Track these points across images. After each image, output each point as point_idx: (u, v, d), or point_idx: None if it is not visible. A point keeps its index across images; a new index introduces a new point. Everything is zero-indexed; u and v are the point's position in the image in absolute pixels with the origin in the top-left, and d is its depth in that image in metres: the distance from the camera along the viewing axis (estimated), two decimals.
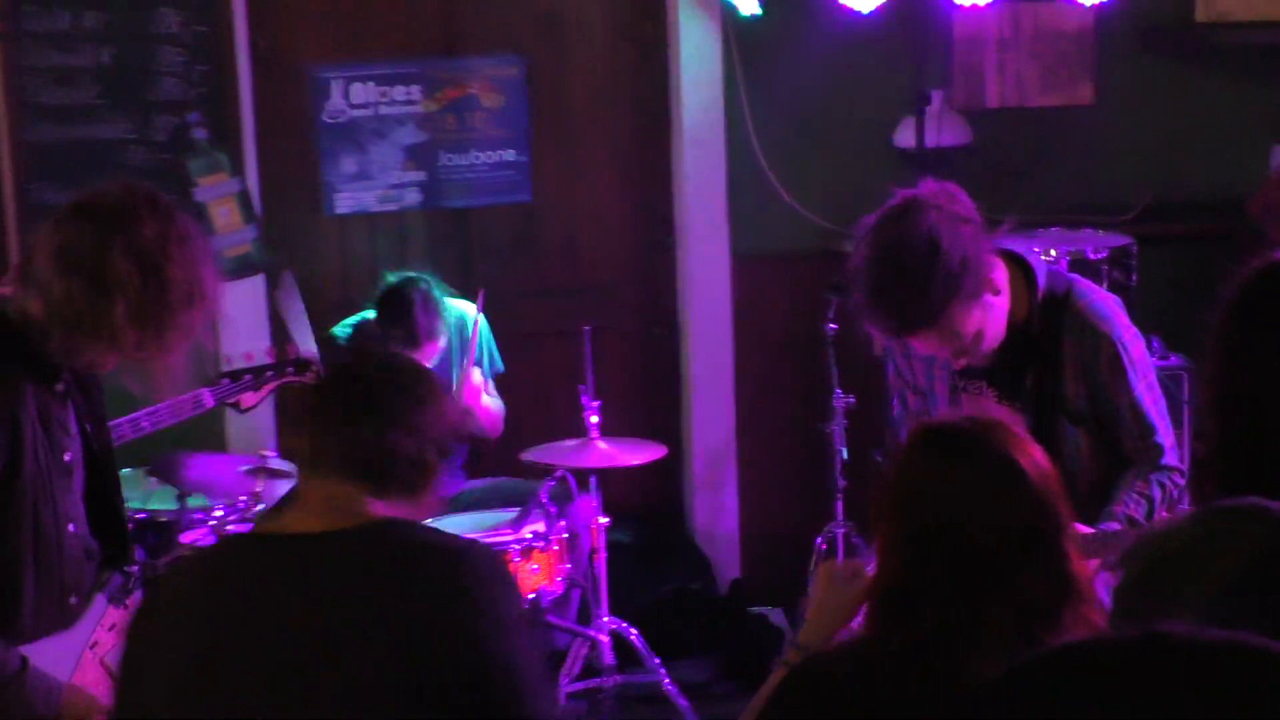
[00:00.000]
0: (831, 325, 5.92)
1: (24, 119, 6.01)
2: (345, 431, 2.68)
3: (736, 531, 6.78)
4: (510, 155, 6.57)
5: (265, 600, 2.59)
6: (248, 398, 4.93)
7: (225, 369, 4.99)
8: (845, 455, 5.97)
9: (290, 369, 4.99)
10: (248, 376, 4.91)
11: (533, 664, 2.63)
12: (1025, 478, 2.45)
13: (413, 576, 2.57)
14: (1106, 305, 3.81)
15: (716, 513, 6.79)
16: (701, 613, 6.32)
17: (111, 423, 4.46)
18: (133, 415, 4.57)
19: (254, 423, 5.99)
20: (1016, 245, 3.85)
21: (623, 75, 6.65)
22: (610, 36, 6.62)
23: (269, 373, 4.94)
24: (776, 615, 6.43)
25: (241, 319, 6.08)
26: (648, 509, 6.82)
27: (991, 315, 3.67)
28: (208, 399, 4.76)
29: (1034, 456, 2.49)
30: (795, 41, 6.43)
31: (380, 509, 2.67)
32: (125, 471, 5.25)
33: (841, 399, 5.95)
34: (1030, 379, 3.78)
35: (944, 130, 6.29)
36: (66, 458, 3.37)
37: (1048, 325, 3.75)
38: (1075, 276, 3.93)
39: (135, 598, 3.51)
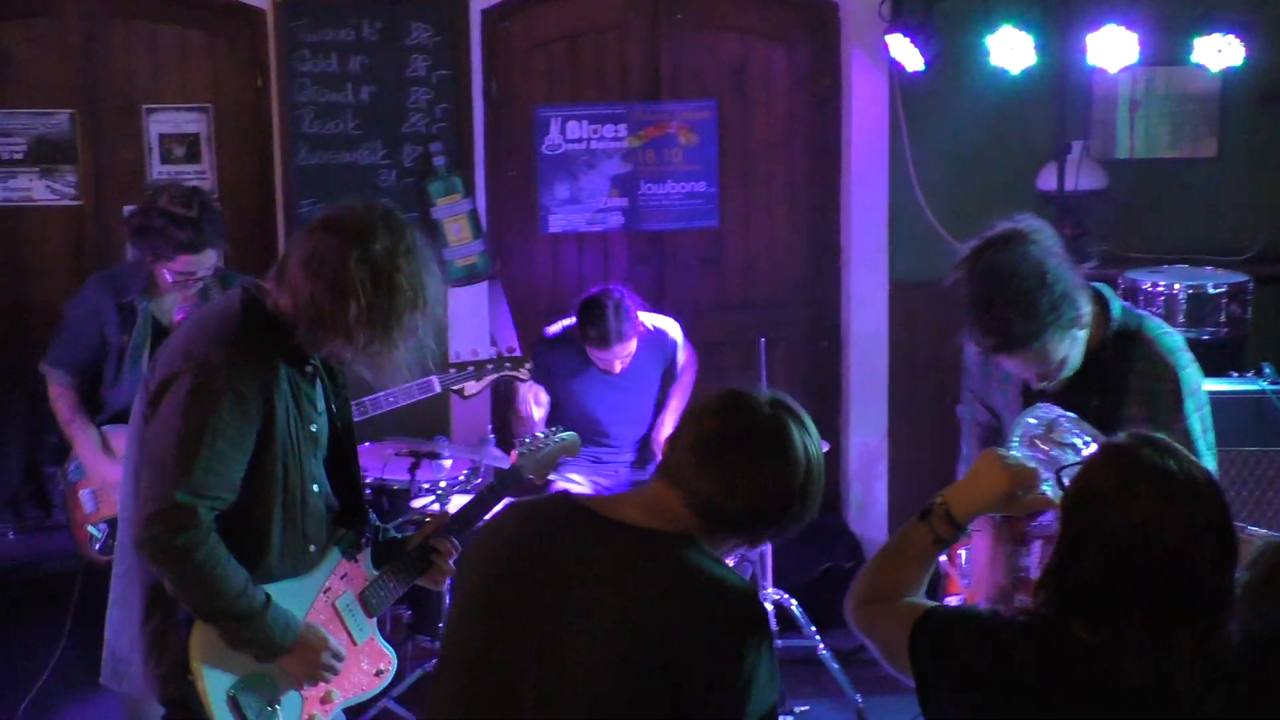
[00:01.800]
0: None
1: (295, 147, 6.34)
2: (715, 475, 2.56)
3: (885, 518, 6.88)
4: (700, 186, 6.80)
5: (561, 561, 2.55)
6: (470, 386, 5.17)
7: (453, 362, 5.24)
8: None
9: (508, 365, 5.22)
10: (471, 368, 5.15)
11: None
12: (1212, 492, 2.43)
13: (697, 604, 2.47)
14: (1174, 340, 3.74)
15: (868, 502, 6.91)
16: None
17: (356, 400, 4.63)
18: (374, 395, 4.91)
19: (473, 412, 6.35)
20: (1096, 281, 3.79)
21: (800, 120, 6.85)
22: (790, 86, 6.82)
23: (489, 366, 5.17)
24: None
25: (468, 320, 6.55)
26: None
27: (1076, 347, 3.61)
28: (435, 385, 5.01)
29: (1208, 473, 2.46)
30: (954, 95, 6.59)
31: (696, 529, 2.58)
32: (366, 445, 5.60)
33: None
34: (1095, 401, 3.60)
35: (1082, 176, 6.42)
36: (313, 429, 3.51)
37: (1118, 354, 3.68)
38: (1146, 313, 3.87)
39: (365, 553, 3.70)
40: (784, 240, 6.95)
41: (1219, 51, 5.94)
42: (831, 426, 6.89)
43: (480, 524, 3.25)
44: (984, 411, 4.08)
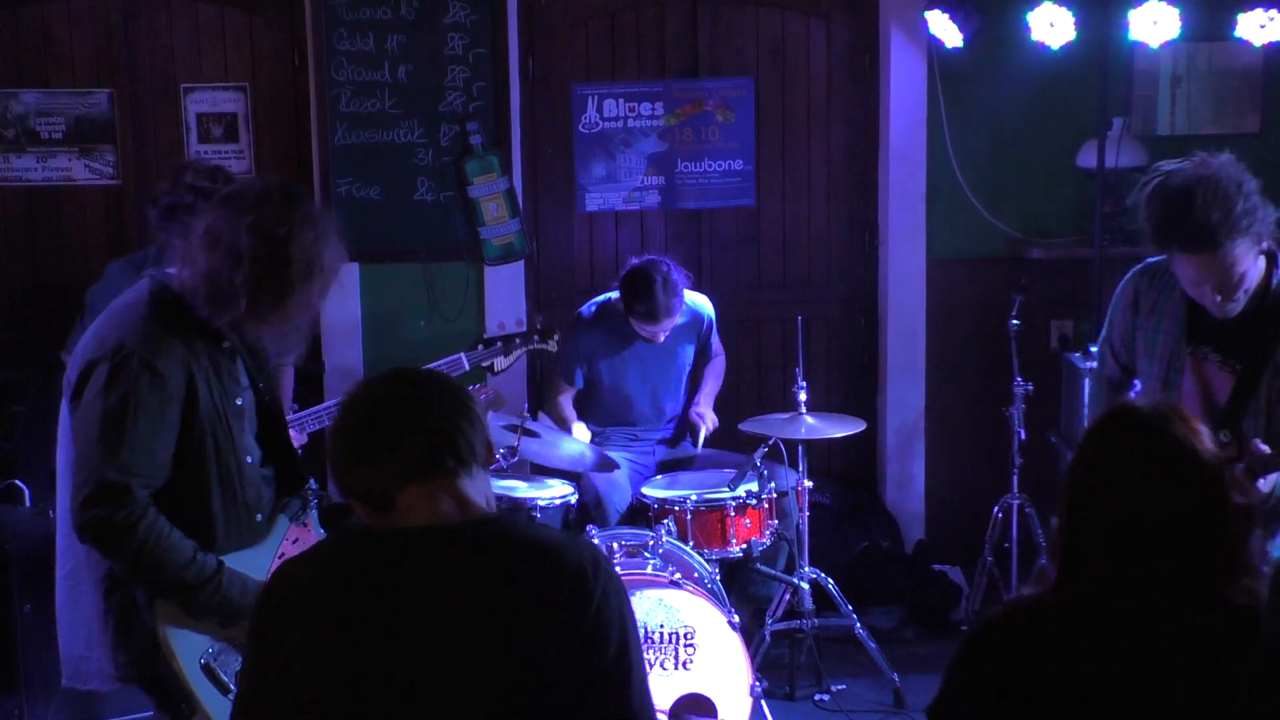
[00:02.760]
0: (1014, 321, 5.94)
1: (332, 126, 6.31)
2: (394, 449, 2.53)
3: (923, 498, 6.86)
4: (738, 165, 6.75)
5: (389, 594, 2.45)
6: (499, 362, 5.11)
7: (483, 338, 5.19)
8: (1023, 435, 5.91)
9: (536, 336, 5.15)
10: (499, 343, 5.08)
11: (629, 660, 2.46)
12: (1197, 460, 2.41)
13: (529, 572, 2.43)
14: None
15: (906, 481, 6.87)
16: (890, 568, 6.33)
17: None
18: None
19: (509, 388, 6.30)
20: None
21: (838, 97, 6.79)
22: (829, 63, 6.76)
23: (518, 340, 5.11)
24: (955, 573, 6.44)
25: (506, 300, 6.53)
26: (846, 475, 6.92)
27: (1252, 270, 3.75)
28: (464, 362, 4.94)
29: (1207, 443, 2.45)
30: (993, 71, 6.53)
31: (473, 492, 2.55)
32: None
33: (1021, 386, 5.91)
34: (1255, 342, 3.83)
35: (1122, 153, 6.33)
36: (239, 402, 3.55)
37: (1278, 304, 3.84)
38: None
39: (311, 516, 3.75)
40: (821, 218, 6.90)
41: (1261, 27, 5.85)
42: (869, 405, 6.85)
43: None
44: (1115, 368, 4.16)
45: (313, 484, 3.81)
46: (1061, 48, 6.06)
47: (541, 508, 5.28)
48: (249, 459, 3.58)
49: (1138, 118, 6.66)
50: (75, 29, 6.32)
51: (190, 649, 3.47)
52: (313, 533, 3.76)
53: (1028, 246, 6.62)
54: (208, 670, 3.48)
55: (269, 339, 3.59)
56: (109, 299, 4.78)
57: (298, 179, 6.44)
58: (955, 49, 6.32)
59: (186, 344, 3.43)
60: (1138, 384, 4.12)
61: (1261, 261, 3.82)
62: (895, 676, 5.57)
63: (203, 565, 3.40)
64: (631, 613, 2.46)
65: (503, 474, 5.39)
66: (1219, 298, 3.80)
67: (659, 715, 2.55)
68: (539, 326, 5.21)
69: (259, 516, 3.62)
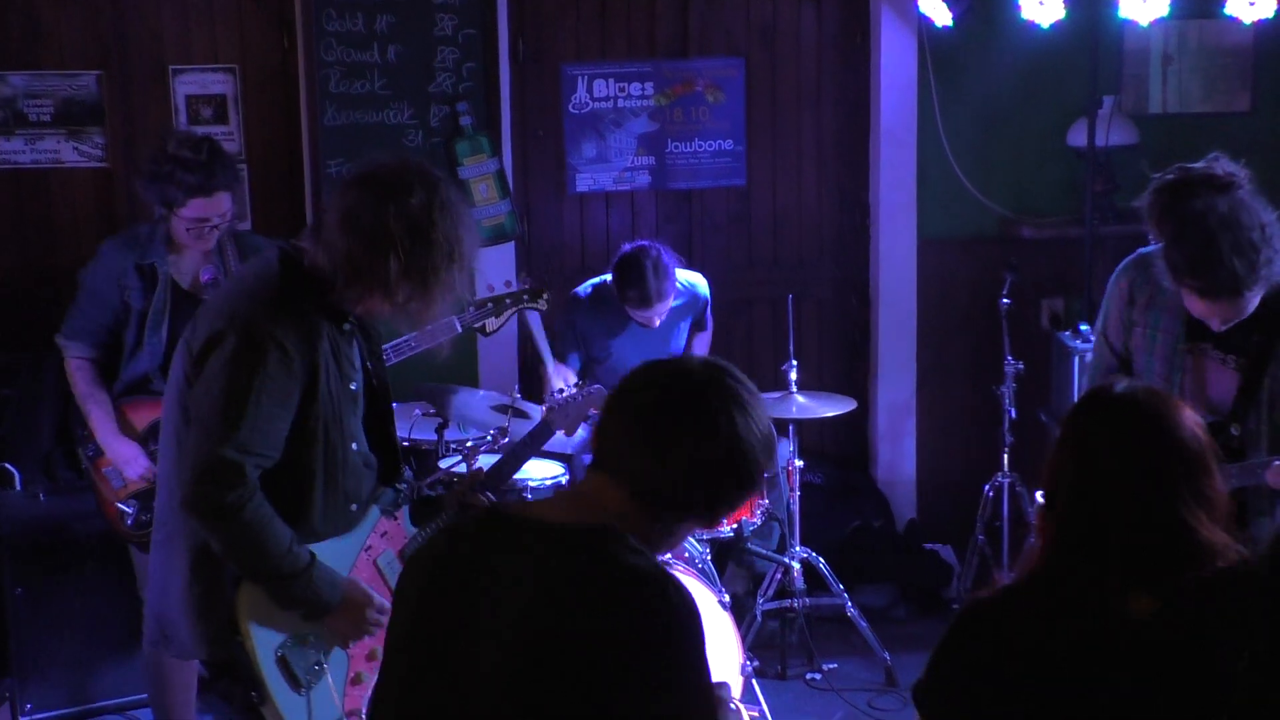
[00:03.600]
0: (1005, 300, 5.94)
1: (322, 107, 6.23)
2: (648, 454, 2.39)
3: (914, 477, 6.84)
4: (728, 145, 6.70)
5: (472, 573, 2.41)
6: (490, 323, 5.03)
7: (471, 300, 5.04)
8: (1013, 414, 5.91)
9: (526, 297, 5.10)
10: (490, 304, 5.03)
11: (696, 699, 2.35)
12: (1170, 439, 2.39)
13: (599, 588, 2.32)
14: None
15: (897, 460, 6.84)
16: (881, 547, 6.34)
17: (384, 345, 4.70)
18: (397, 340, 4.75)
19: (498, 360, 6.31)
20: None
21: (828, 77, 6.75)
22: (819, 43, 6.71)
23: (508, 300, 5.04)
24: (946, 552, 6.44)
25: (493, 279, 6.39)
26: (837, 455, 6.90)
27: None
28: (457, 325, 4.89)
29: (1188, 424, 2.42)
30: (983, 50, 6.50)
31: (631, 519, 2.42)
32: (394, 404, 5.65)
33: (1011, 365, 5.91)
34: (1256, 336, 3.81)
35: (1113, 131, 6.31)
36: (352, 387, 3.50)
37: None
38: None
39: (403, 511, 3.67)
40: (812, 198, 6.86)
41: (1251, 4, 5.76)
42: (860, 384, 6.83)
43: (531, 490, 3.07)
44: (1112, 361, 4.12)
45: (408, 474, 3.74)
46: (1051, 26, 6.02)
47: (532, 488, 5.25)
48: (354, 445, 3.52)
49: (1129, 96, 6.63)
50: (63, 11, 6.23)
51: (268, 639, 3.42)
52: (403, 527, 3.69)
53: (1018, 225, 6.60)
54: (282, 663, 3.43)
55: (406, 325, 3.53)
56: (98, 280, 4.83)
57: (287, 160, 6.43)
58: (945, 28, 6.28)
59: (312, 323, 3.38)
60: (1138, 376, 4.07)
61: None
62: (887, 655, 5.57)
63: (297, 557, 3.36)
64: (701, 667, 2.35)
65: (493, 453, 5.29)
66: (1224, 327, 3.79)
67: None
68: (528, 286, 5.16)
69: (354, 506, 3.56)
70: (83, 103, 6.28)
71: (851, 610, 5.62)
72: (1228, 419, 3.89)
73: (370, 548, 3.59)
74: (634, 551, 2.35)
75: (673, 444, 2.38)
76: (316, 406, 3.38)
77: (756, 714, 4.98)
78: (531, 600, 2.32)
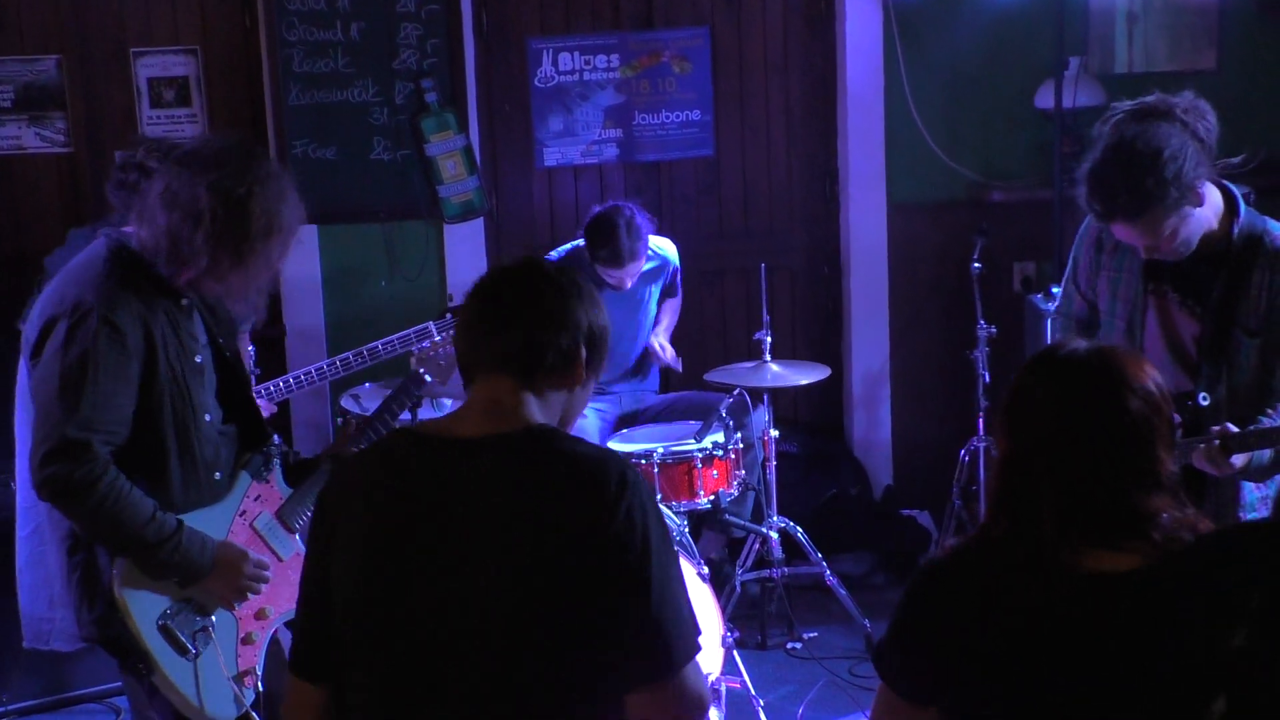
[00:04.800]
0: (976, 264, 5.91)
1: (286, 87, 6.17)
2: (496, 332, 2.53)
3: (889, 444, 6.80)
4: (695, 115, 6.63)
5: (427, 499, 2.48)
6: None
7: (450, 307, 5.10)
8: (987, 378, 5.91)
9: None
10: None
11: (669, 573, 2.44)
12: (1121, 399, 2.35)
13: (560, 482, 2.42)
14: None
15: (872, 427, 6.80)
16: (858, 514, 6.33)
17: (356, 350, 4.88)
18: (373, 343, 4.84)
19: None
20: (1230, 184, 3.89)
21: (795, 44, 6.67)
22: (784, 11, 6.64)
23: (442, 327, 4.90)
24: (924, 517, 6.43)
25: (467, 257, 6.41)
26: (812, 423, 6.86)
27: (1189, 223, 3.66)
28: (433, 331, 4.85)
29: (1142, 380, 2.38)
30: (949, 14, 6.44)
31: (535, 408, 2.54)
32: (367, 385, 5.62)
33: (984, 329, 5.90)
34: (1218, 290, 3.76)
35: (1080, 92, 6.23)
36: (197, 359, 3.53)
37: (1244, 250, 3.75)
38: (1274, 222, 3.89)
39: (275, 473, 3.71)
40: (781, 167, 6.79)
41: None
42: (834, 352, 6.79)
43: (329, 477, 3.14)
44: (1083, 306, 4.11)
45: (277, 440, 3.76)
46: None
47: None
48: (207, 417, 3.55)
49: (1095, 56, 6.56)
50: None
51: (147, 609, 3.43)
52: (276, 489, 3.72)
53: (988, 190, 6.55)
54: (165, 631, 3.45)
55: (228, 300, 3.56)
56: None
57: (253, 141, 6.33)
58: None
59: (145, 301, 3.42)
60: (1103, 320, 4.04)
61: (1217, 202, 3.75)
62: (866, 623, 5.55)
63: (162, 523, 3.38)
64: (660, 528, 2.45)
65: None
66: (1153, 253, 3.76)
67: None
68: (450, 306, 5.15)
69: (217, 474, 3.59)
70: (44, 87, 6.19)
71: (830, 578, 5.59)
72: (1196, 387, 3.83)
73: (245, 512, 3.63)
74: (569, 439, 2.50)
75: (535, 309, 2.54)
76: (158, 381, 3.42)
77: (738, 684, 4.95)
78: (503, 510, 2.41)
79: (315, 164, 6.19)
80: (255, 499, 3.67)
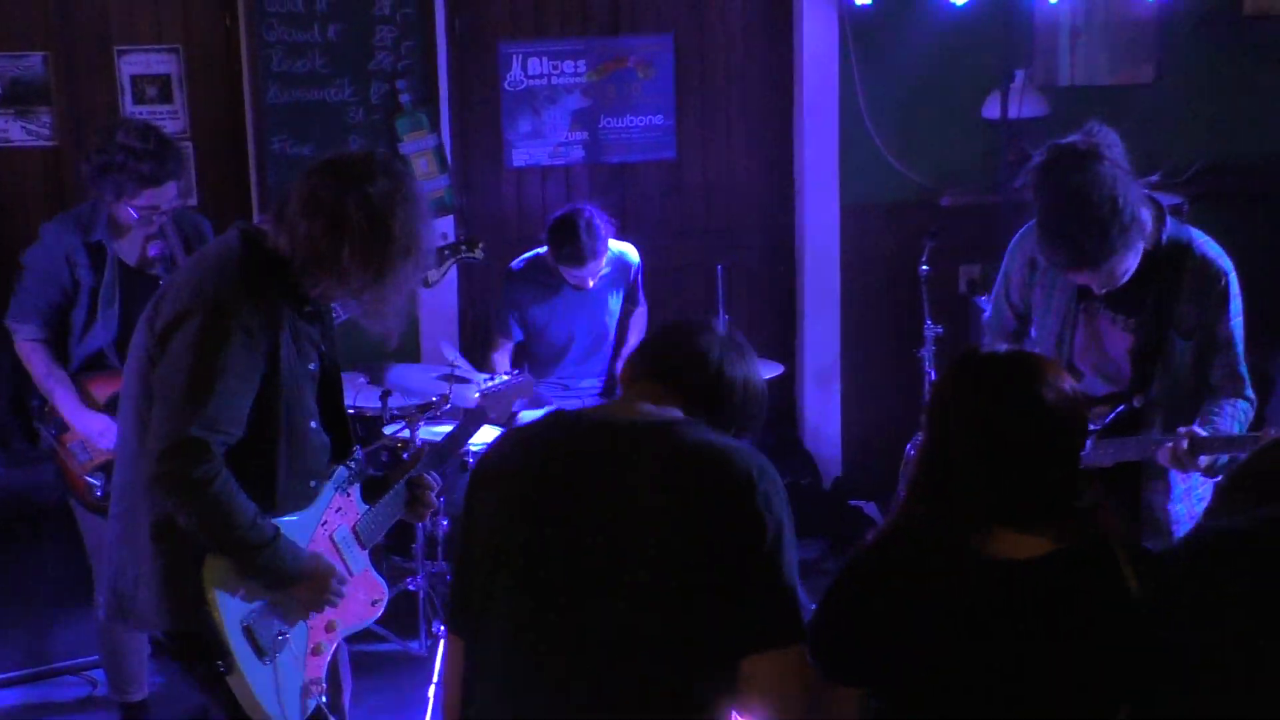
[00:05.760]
0: (924, 266, 5.98)
1: (265, 85, 6.26)
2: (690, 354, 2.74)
3: (839, 438, 6.92)
4: (659, 119, 6.76)
5: (564, 471, 2.59)
6: (432, 275, 4.88)
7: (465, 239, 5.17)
8: (933, 376, 5.94)
9: (464, 248, 5.11)
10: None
11: (782, 549, 2.52)
12: (1036, 390, 2.44)
13: (693, 465, 2.53)
14: (1223, 252, 3.89)
15: (823, 422, 6.93)
16: (809, 504, 6.38)
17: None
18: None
19: (439, 313, 6.38)
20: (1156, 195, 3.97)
21: (755, 53, 6.80)
22: (744, 20, 6.77)
23: (446, 252, 5.02)
24: (870, 508, 6.54)
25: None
26: (767, 417, 6.86)
27: (1135, 257, 3.72)
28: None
29: (1058, 378, 2.47)
30: (901, 27, 6.57)
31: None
32: (361, 380, 5.60)
33: (931, 329, 5.94)
34: (1151, 297, 3.81)
35: (1025, 104, 6.41)
36: (311, 367, 3.50)
37: (1172, 258, 3.80)
38: (1195, 229, 3.96)
39: (355, 488, 3.67)
40: (741, 169, 6.92)
41: None
42: (788, 348, 6.90)
43: (474, 456, 3.15)
44: (1011, 319, 4.18)
45: (359, 453, 3.74)
46: (966, 3, 6.12)
47: (474, 453, 5.30)
48: (313, 423, 3.51)
49: (1039, 69, 6.71)
50: None
51: (234, 608, 3.41)
52: (355, 503, 3.70)
53: (937, 195, 6.69)
54: (248, 632, 3.43)
55: (364, 318, 3.51)
56: (46, 260, 4.71)
57: (231, 138, 6.45)
58: (865, 6, 6.37)
59: (274, 303, 3.38)
60: (1034, 333, 4.13)
61: (1148, 219, 3.78)
62: (814, 607, 5.60)
63: (263, 528, 3.35)
64: (788, 514, 2.56)
65: (435, 420, 5.36)
66: (1104, 290, 3.84)
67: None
68: (464, 238, 5.15)
69: (313, 482, 3.56)
70: (30, 83, 6.28)
71: None
72: (1129, 389, 3.92)
73: (326, 523, 3.60)
74: (707, 430, 2.62)
75: (707, 356, 2.75)
76: (279, 386, 3.39)
77: None
78: (664, 488, 2.51)
79: (292, 161, 6.27)
80: (336, 511, 3.63)
